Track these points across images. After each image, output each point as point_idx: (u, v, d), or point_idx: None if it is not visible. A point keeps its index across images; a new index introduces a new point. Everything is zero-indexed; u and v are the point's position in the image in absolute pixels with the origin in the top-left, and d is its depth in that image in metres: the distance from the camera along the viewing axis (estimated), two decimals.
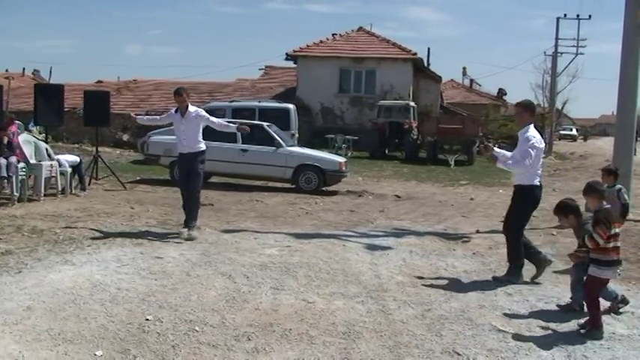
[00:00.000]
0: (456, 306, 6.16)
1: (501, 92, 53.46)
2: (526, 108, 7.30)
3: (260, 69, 39.42)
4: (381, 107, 28.55)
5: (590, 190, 5.73)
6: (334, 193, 15.26)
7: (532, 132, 7.07)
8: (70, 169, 12.69)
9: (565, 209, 6.05)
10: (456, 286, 6.92)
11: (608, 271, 5.56)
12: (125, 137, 28.09)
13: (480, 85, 59.70)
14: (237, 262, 7.55)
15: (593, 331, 5.46)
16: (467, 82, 58.93)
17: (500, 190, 17.24)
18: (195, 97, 32.49)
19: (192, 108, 9.22)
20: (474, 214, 12.67)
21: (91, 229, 9.16)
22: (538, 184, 7.15)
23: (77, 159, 13.52)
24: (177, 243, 8.51)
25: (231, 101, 22.02)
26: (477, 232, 10.36)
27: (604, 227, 5.44)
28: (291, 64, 34.07)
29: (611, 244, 5.51)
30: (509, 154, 7.37)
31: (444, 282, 7.07)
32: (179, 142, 9.26)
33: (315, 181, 15.06)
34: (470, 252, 8.72)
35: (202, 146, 9.19)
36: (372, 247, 8.72)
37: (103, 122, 15.41)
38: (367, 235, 9.72)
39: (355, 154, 26.37)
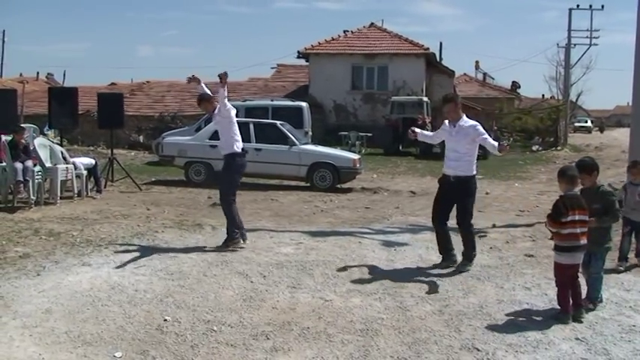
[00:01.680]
0: (474, 301, 6.13)
1: (515, 85, 53.13)
2: (458, 102, 7.53)
3: (272, 68, 39.43)
4: (394, 103, 28.45)
5: (561, 174, 5.76)
6: (349, 190, 15.24)
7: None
8: (85, 172, 12.75)
9: (590, 167, 6.01)
10: (473, 281, 6.89)
11: (566, 257, 5.60)
12: (139, 139, 28.22)
13: (493, 79, 59.37)
14: (254, 261, 7.56)
15: (560, 315, 5.60)
16: (480, 76, 58.61)
17: (517, 184, 17.16)
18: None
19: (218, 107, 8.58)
20: (490, 208, 12.61)
21: (108, 231, 9.20)
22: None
23: (93, 161, 13.59)
24: (194, 243, 8.53)
25: (244, 100, 22.04)
26: (494, 226, 10.32)
27: (557, 213, 5.53)
28: (303, 62, 34.09)
29: (567, 231, 5.53)
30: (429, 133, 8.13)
31: (462, 277, 7.03)
32: None
33: (329, 179, 15.05)
34: (487, 247, 8.68)
35: (233, 148, 8.27)
36: (388, 244, 8.70)
37: (117, 124, 15.48)
38: (383, 232, 9.71)
39: (369, 151, 26.32)
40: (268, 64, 74.65)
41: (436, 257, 7.91)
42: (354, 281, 6.77)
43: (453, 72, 36.51)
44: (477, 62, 60.89)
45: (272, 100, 22.05)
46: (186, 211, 11.17)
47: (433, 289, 6.55)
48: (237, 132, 8.38)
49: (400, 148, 27.64)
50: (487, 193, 15.02)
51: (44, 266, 7.11)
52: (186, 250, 8.06)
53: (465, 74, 55.94)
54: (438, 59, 37.39)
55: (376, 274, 7.11)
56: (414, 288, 6.56)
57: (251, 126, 15.32)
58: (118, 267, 7.14)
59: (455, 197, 7.34)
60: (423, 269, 7.40)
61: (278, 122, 15.94)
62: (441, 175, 7.52)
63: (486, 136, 7.39)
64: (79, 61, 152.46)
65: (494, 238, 9.29)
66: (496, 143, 7.28)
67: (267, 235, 9.22)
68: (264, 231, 9.51)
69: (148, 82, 36.26)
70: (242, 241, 8.30)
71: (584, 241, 5.61)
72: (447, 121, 7.50)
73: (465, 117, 7.48)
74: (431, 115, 28.44)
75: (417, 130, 7.89)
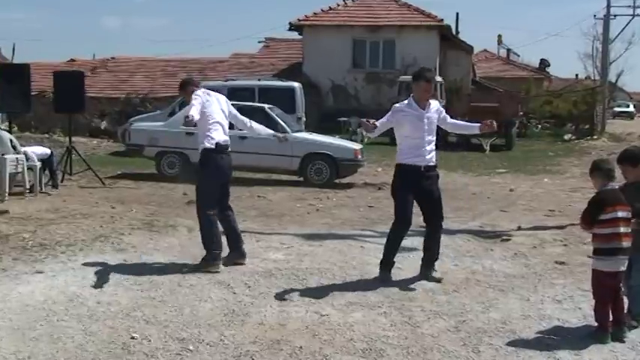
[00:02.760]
0: (495, 316, 6.13)
1: (544, 63, 53.21)
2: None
3: (260, 42, 39.38)
4: (402, 84, 28.32)
5: (595, 168, 5.75)
6: (349, 185, 15.24)
7: None
8: (39, 164, 12.71)
9: (636, 158, 5.95)
10: (494, 293, 6.89)
11: (606, 262, 5.56)
12: (103, 125, 28.16)
13: (518, 56, 59.48)
14: (237, 269, 7.55)
15: (598, 333, 5.55)
16: (503, 53, 58.66)
17: (546, 179, 17.18)
18: (183, 76, 32.61)
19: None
20: (515, 207, 12.63)
21: (66, 232, 9.17)
22: None
23: (48, 151, 13.55)
24: (167, 247, 8.51)
25: (226, 80, 21.99)
26: (519, 228, 10.33)
27: (594, 211, 5.53)
28: (295, 35, 34.06)
29: (608, 230, 5.51)
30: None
31: (481, 288, 7.04)
32: None
33: (326, 173, 15.05)
34: (510, 252, 8.69)
35: (204, 142, 7.68)
36: None
37: (77, 108, 15.44)
38: None
39: (373, 140, 26.29)
40: (255, 38, 74.50)
41: (452, 265, 7.92)
42: (355, 292, 6.76)
43: (472, 48, 36.55)
44: (499, 36, 60.88)
45: (259, 80, 21.99)
46: (157, 210, 11.15)
47: (447, 301, 6.55)
48: (214, 120, 7.67)
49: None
50: (511, 190, 15.04)
51: None
52: (158, 256, 8.04)
53: (485, 50, 56.00)
54: (454, 33, 37.37)
55: (381, 284, 7.09)
56: (425, 300, 6.56)
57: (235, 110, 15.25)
58: (77, 275, 7.11)
59: (425, 191, 7.24)
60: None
61: (266, 106, 15.90)
62: (404, 166, 7.20)
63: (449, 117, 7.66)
64: (32, 33, 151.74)
65: (520, 243, 9.30)
66: (469, 124, 7.64)
67: (253, 238, 9.20)
68: (249, 234, 9.47)
69: (113, 58, 36.21)
70: (220, 265, 7.55)
71: (627, 243, 5.56)
72: (411, 103, 7.25)
73: None
74: (446, 98, 28.45)
75: (375, 121, 7.33)
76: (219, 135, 7.66)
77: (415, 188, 7.15)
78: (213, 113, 7.71)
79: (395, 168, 7.34)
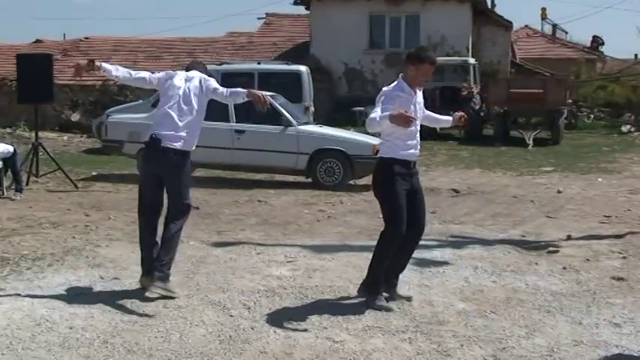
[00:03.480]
0: (541, 343, 6.11)
1: (596, 41, 52.99)
2: None
3: (259, 18, 39.37)
4: None
5: None
6: (366, 188, 15.20)
7: None
8: (0, 163, 12.74)
9: None
10: (540, 314, 6.86)
11: None
12: (75, 117, 28.25)
13: (566, 33, 59.23)
14: (234, 287, 7.55)
15: None
16: (548, 29, 58.50)
17: (600, 179, 17.11)
18: (169, 59, 32.80)
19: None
20: (563, 213, 12.60)
21: (31, 245, 9.20)
22: None
23: (10, 149, 13.57)
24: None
25: (220, 64, 22.02)
26: (568, 238, 10.30)
27: None
28: (301, 9, 34.09)
29: None
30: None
31: (524, 310, 7.01)
32: None
33: (339, 172, 15.03)
34: (559, 266, 8.66)
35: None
36: (421, 263, 8.65)
37: (44, 97, 15.46)
38: None
39: None
40: (254, 14, 74.58)
41: (490, 282, 7.90)
42: (374, 315, 6.75)
43: (511, 23, 36.41)
44: (543, 10, 60.67)
45: (259, 64, 22.03)
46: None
47: (484, 325, 6.53)
48: (161, 107, 7.58)
49: (437, 129, 27.61)
50: (559, 192, 14.99)
51: None
52: (140, 272, 8.03)
53: (526, 26, 55.81)
54: (489, 6, 37.29)
55: (405, 304, 7.08)
56: (458, 324, 6.55)
57: None
58: (45, 295, 7.11)
59: (414, 190, 7.18)
60: (470, 298, 7.37)
61: (268, 93, 15.86)
62: (394, 160, 7.07)
63: None
64: None
65: (570, 255, 9.26)
66: (441, 116, 7.79)
67: (253, 250, 9.22)
68: (248, 245, 9.49)
69: (86, 38, 36.29)
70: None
71: None
72: (403, 86, 7.16)
73: None
74: (480, 82, 28.39)
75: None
76: (158, 126, 7.42)
77: (405, 187, 7.08)
78: (167, 99, 7.49)
79: (379, 162, 7.17)
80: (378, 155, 7.25)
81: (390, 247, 7.07)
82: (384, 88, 7.27)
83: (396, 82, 7.24)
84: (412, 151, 7.13)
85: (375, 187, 7.27)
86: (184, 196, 7.49)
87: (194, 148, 7.53)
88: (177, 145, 7.31)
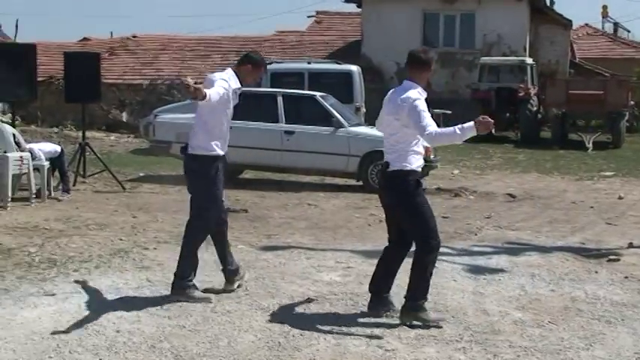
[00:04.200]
0: (601, 354, 6.05)
1: None
2: None
3: (309, 16, 39.43)
4: (483, 67, 28.24)
5: None
6: None
7: None
8: (47, 163, 12.90)
9: None
10: (600, 325, 6.80)
11: None
12: (123, 117, 28.53)
13: (628, 32, 58.52)
14: (284, 292, 7.57)
15: None
16: (609, 28, 57.84)
17: None
18: (217, 57, 32.98)
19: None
20: (624, 219, 12.47)
21: (79, 246, 9.31)
22: None
23: (57, 149, 13.72)
24: (199, 265, 8.53)
25: (269, 63, 22.05)
26: (630, 246, 10.20)
27: None
28: (353, 7, 34.07)
29: None
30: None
31: (583, 320, 6.94)
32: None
33: None
34: (620, 275, 8.57)
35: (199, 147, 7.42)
36: (475, 270, 8.66)
37: (92, 97, 15.63)
38: (468, 253, 9.68)
39: None
40: (304, 12, 74.55)
41: (548, 291, 7.83)
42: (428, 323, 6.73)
43: (570, 22, 36.04)
44: (604, 8, 60.04)
45: (309, 63, 22.04)
46: (186, 220, 11.19)
47: (541, 335, 6.47)
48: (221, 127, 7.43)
49: (493, 131, 27.37)
50: (620, 198, 14.83)
51: None
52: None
53: (586, 25, 55.23)
54: (547, 3, 36.95)
55: (459, 312, 7.06)
56: (514, 334, 6.50)
57: (279, 99, 15.34)
58: (92, 298, 7.19)
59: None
60: (526, 307, 7.31)
61: (317, 94, 15.92)
62: (418, 173, 6.99)
63: None
64: (38, 6, 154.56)
65: (632, 264, 9.17)
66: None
67: (303, 255, 9.24)
68: (297, 249, 9.51)
69: (134, 37, 36.58)
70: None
71: None
72: (421, 90, 7.06)
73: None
74: (537, 83, 28.14)
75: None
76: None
77: None
78: (223, 118, 7.41)
79: (406, 177, 6.87)
80: (400, 167, 6.87)
81: (432, 260, 6.91)
82: (411, 95, 6.96)
83: (418, 87, 7.08)
84: (419, 160, 7.03)
85: (399, 201, 6.91)
86: (198, 202, 7.45)
87: (217, 152, 7.32)
88: (189, 149, 7.35)
